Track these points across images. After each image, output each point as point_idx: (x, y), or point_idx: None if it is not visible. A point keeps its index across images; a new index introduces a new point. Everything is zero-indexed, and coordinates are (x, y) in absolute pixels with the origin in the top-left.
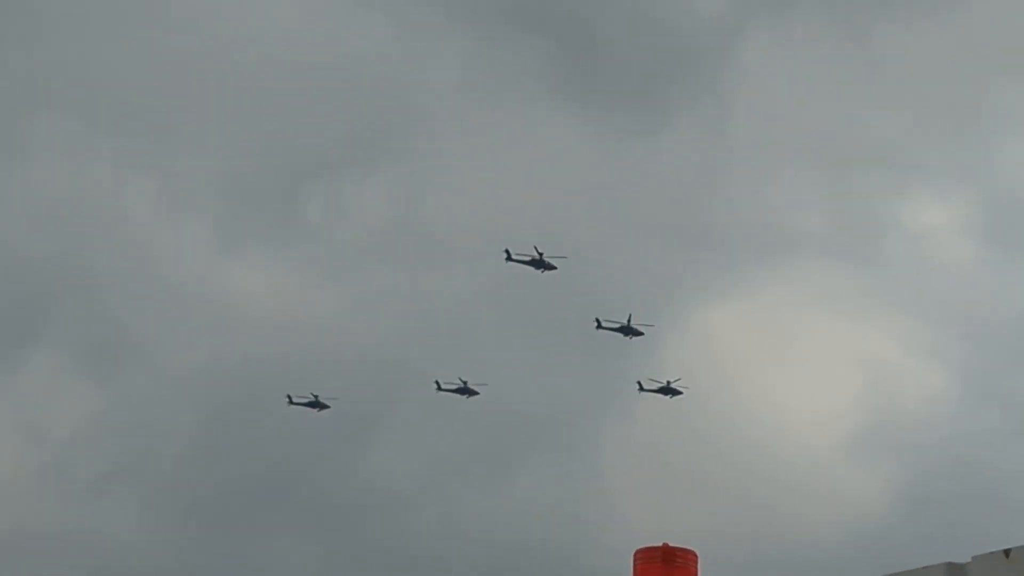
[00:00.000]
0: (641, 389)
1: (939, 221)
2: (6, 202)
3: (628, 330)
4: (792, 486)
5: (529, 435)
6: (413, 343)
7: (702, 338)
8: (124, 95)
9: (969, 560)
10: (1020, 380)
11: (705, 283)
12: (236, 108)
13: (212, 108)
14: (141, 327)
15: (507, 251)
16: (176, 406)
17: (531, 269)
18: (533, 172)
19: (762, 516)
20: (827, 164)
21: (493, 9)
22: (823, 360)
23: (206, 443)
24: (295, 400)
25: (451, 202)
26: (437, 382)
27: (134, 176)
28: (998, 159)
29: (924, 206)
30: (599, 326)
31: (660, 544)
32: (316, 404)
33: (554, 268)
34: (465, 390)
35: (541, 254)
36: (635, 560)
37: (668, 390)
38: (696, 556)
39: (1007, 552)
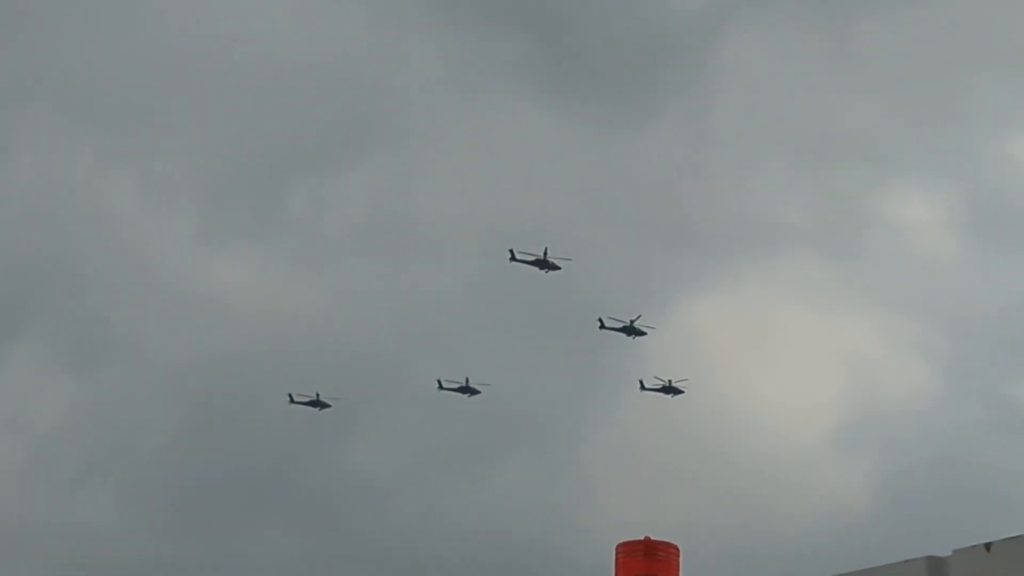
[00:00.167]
0: (643, 388)
1: (922, 215)
2: None
3: (631, 330)
4: (774, 480)
5: (512, 429)
6: (396, 337)
7: (684, 332)
8: (106, 89)
9: (950, 554)
10: (1003, 375)
11: (687, 277)
12: (219, 102)
13: (195, 102)
14: (123, 321)
15: (511, 251)
16: (158, 400)
17: (535, 269)
18: (516, 166)
19: (744, 510)
20: (810, 158)
21: (475, 2)
22: (805, 354)
23: (188, 437)
24: (296, 399)
25: (435, 196)
26: (439, 381)
27: (116, 170)
28: (981, 153)
29: (907, 200)
30: (602, 326)
31: (642, 537)
32: (317, 403)
33: (558, 268)
34: (467, 389)
35: (545, 254)
36: (617, 553)
37: (670, 389)
38: (678, 549)
39: (988, 546)
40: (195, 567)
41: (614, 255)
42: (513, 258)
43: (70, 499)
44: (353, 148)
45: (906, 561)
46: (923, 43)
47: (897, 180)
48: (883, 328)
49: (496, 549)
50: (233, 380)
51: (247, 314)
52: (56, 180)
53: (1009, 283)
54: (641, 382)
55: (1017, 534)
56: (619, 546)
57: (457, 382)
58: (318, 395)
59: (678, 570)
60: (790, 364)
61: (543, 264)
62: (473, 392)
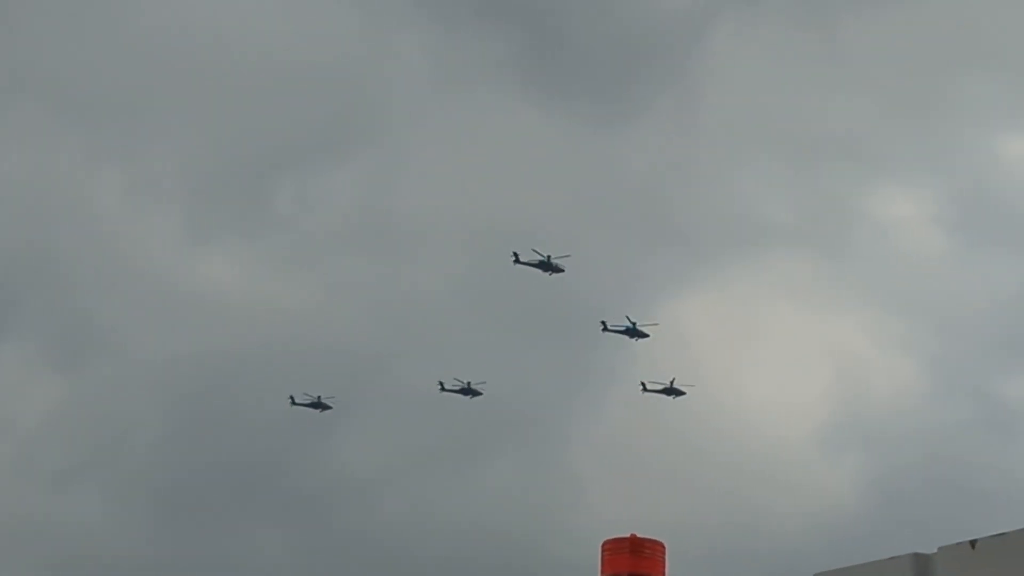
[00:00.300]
0: (644, 390)
1: (908, 212)
2: None
3: (634, 332)
4: (762, 478)
5: (501, 428)
6: (383, 334)
7: (671, 331)
8: (92, 86)
9: (935, 551)
10: (990, 373)
11: (674, 275)
12: (205, 99)
13: (181, 99)
14: (109, 318)
15: (515, 253)
16: (144, 398)
17: (539, 272)
18: (503, 163)
19: (732, 508)
20: (796, 156)
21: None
22: (793, 352)
23: (174, 435)
24: (297, 401)
25: (421, 193)
26: (441, 383)
27: (102, 167)
28: (968, 150)
29: (894, 197)
30: (605, 328)
31: (628, 535)
32: (318, 405)
33: (562, 271)
34: (469, 391)
35: (549, 256)
36: (603, 551)
37: (672, 390)
38: (664, 547)
39: (973, 543)
40: (181, 565)
41: (602, 253)
42: (517, 261)
43: (55, 497)
44: (340, 145)
45: (891, 558)
46: (908, 41)
47: (884, 178)
48: (871, 326)
49: (485, 547)
50: (220, 377)
51: (233, 312)
52: (42, 177)
53: (996, 280)
54: (643, 384)
55: (1003, 531)
56: (605, 543)
57: (459, 383)
58: (319, 397)
59: (664, 567)
60: (778, 362)
61: (547, 267)
62: (475, 394)
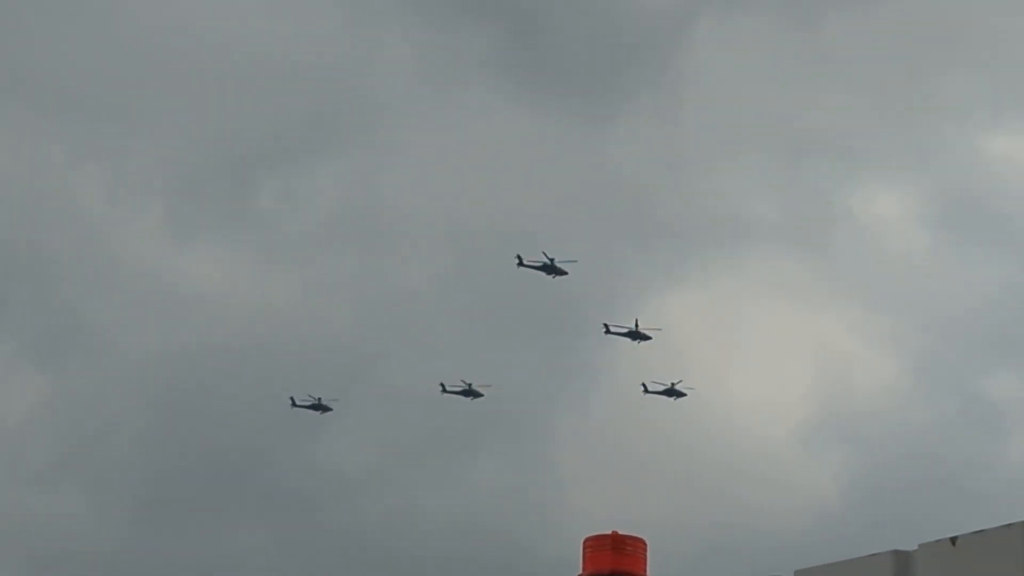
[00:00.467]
0: (646, 391)
1: (893, 210)
2: None
3: (636, 335)
4: (745, 475)
5: (485, 425)
6: (368, 331)
7: (656, 327)
8: (77, 84)
9: (916, 548)
10: (974, 370)
11: (658, 272)
12: (189, 96)
13: (165, 96)
14: (94, 315)
15: (518, 256)
16: (128, 394)
17: (543, 275)
18: (486, 160)
19: (715, 505)
20: (780, 153)
21: None
22: (777, 349)
23: (159, 431)
24: (298, 403)
25: (405, 190)
26: (442, 384)
27: (86, 164)
28: (952, 148)
29: (877, 195)
30: (607, 331)
31: (610, 532)
32: (319, 407)
33: (565, 273)
34: (470, 392)
35: (552, 259)
36: (584, 548)
37: (673, 392)
38: (645, 544)
39: (953, 540)
40: (166, 562)
41: (585, 250)
42: (521, 264)
43: (40, 493)
44: (324, 142)
45: (872, 555)
46: (893, 38)
47: (868, 175)
48: (855, 323)
49: (470, 544)
50: (204, 375)
51: (218, 309)
52: (27, 174)
53: (980, 278)
54: (644, 385)
55: (983, 528)
56: (586, 540)
57: (461, 385)
58: (320, 399)
59: (645, 564)
60: (761, 359)
61: (550, 269)
62: (476, 395)
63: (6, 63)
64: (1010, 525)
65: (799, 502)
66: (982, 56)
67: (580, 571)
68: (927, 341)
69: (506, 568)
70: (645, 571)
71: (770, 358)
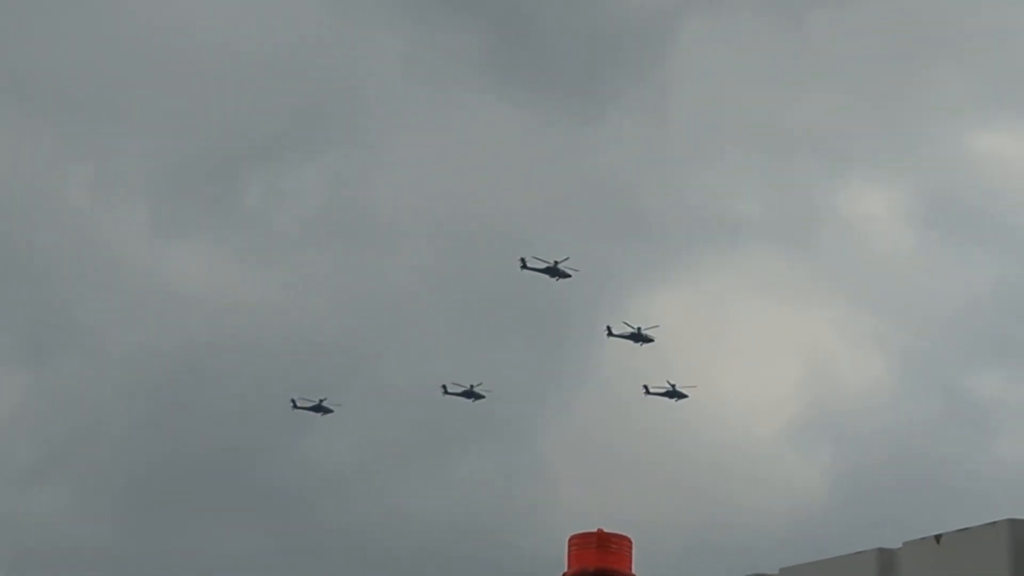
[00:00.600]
0: (647, 392)
1: (879, 208)
2: None
3: (639, 337)
4: (731, 473)
5: (473, 423)
6: (355, 329)
7: (642, 325)
8: (63, 82)
9: (901, 546)
10: (960, 369)
11: (645, 270)
12: (175, 94)
13: (151, 93)
14: (79, 312)
15: (522, 259)
16: (115, 391)
17: (546, 277)
18: (474, 158)
19: (702, 503)
20: (766, 150)
21: None
22: (763, 348)
23: (146, 428)
24: (299, 404)
25: (392, 188)
26: (444, 386)
27: (72, 161)
28: (938, 146)
29: (864, 193)
30: (610, 334)
31: (595, 530)
32: (320, 408)
33: (568, 276)
34: (471, 394)
35: (556, 262)
36: (570, 546)
37: (674, 393)
38: (631, 542)
39: (938, 538)
40: (153, 559)
41: (572, 247)
42: (524, 266)
43: (26, 490)
44: (312, 140)
45: (857, 553)
46: (879, 35)
47: (854, 173)
48: (841, 321)
49: (457, 542)
50: (190, 372)
51: (205, 306)
52: (12, 172)
53: (966, 277)
54: (646, 387)
55: (967, 526)
56: (572, 538)
57: (462, 386)
58: (321, 401)
59: (631, 562)
60: (748, 357)
61: (554, 272)
62: (478, 397)
63: None
64: (994, 523)
65: (785, 500)
66: (969, 54)
67: (565, 569)
68: (913, 340)
69: (492, 565)
70: (630, 569)
71: (757, 357)
